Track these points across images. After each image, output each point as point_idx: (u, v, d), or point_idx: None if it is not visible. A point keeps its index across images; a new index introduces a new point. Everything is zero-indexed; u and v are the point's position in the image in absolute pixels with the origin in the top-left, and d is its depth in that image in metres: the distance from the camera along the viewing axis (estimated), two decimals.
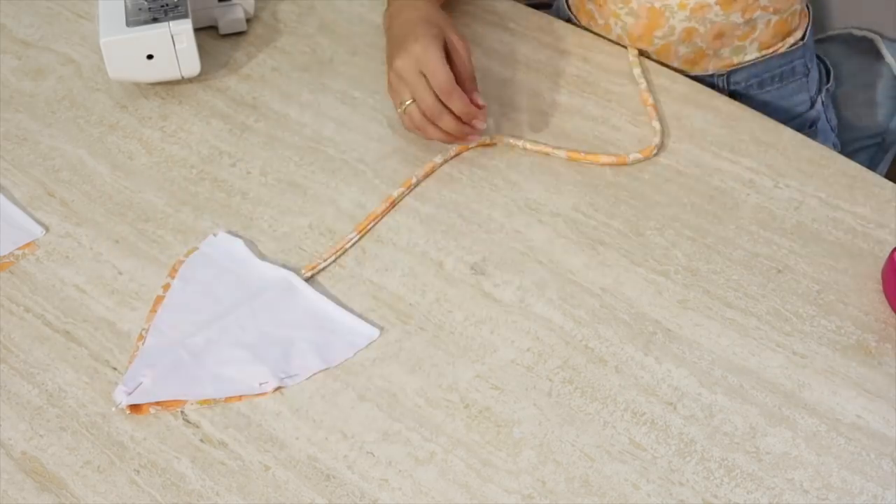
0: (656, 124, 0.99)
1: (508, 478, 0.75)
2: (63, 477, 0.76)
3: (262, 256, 0.90)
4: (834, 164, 0.97)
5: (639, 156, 0.97)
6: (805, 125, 1.13)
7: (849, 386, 0.80)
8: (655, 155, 0.98)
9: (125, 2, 1.04)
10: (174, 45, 1.02)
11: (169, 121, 1.04)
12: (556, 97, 1.04)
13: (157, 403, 0.80)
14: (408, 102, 0.92)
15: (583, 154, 0.98)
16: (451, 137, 0.94)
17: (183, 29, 1.01)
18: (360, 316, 0.85)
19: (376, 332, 0.84)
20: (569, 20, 1.14)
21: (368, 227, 0.93)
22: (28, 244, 0.92)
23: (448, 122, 0.92)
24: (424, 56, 0.90)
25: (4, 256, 0.91)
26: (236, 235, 0.92)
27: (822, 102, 1.15)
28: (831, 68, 1.20)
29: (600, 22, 1.09)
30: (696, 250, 0.90)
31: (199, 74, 1.05)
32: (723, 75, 1.08)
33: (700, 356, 0.82)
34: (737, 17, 1.03)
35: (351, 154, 1.00)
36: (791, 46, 1.08)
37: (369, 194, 0.96)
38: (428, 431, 0.78)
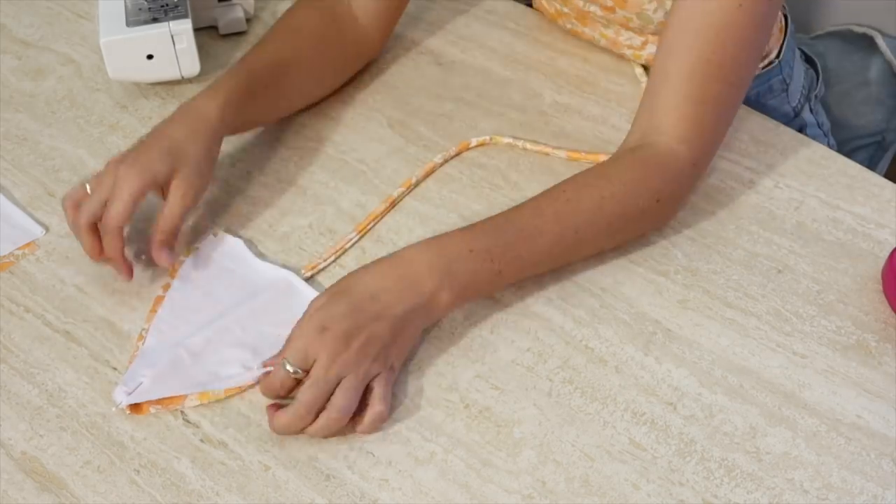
0: None
1: (508, 478, 0.75)
2: (63, 477, 0.76)
3: (262, 256, 0.90)
4: (834, 164, 0.97)
5: None
6: None
7: (849, 386, 0.80)
8: None
9: (125, 2, 1.04)
10: (174, 45, 1.02)
11: None
12: (556, 97, 1.04)
13: (157, 402, 0.80)
14: (87, 188, 0.85)
15: (583, 154, 0.98)
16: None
17: (183, 29, 1.01)
18: None
19: None
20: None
21: (368, 226, 0.93)
22: (28, 244, 0.92)
23: (105, 250, 0.85)
24: (119, 184, 0.83)
25: (4, 256, 0.91)
26: (236, 235, 0.92)
27: (811, 109, 1.15)
28: (821, 71, 1.19)
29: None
30: (696, 250, 0.90)
31: (199, 74, 1.06)
32: None
33: (700, 356, 0.82)
34: None
35: (351, 154, 1.00)
36: (764, 68, 1.07)
37: (369, 194, 0.96)
38: (428, 431, 0.78)
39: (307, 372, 0.75)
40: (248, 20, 1.15)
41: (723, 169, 0.96)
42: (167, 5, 1.03)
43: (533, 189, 0.95)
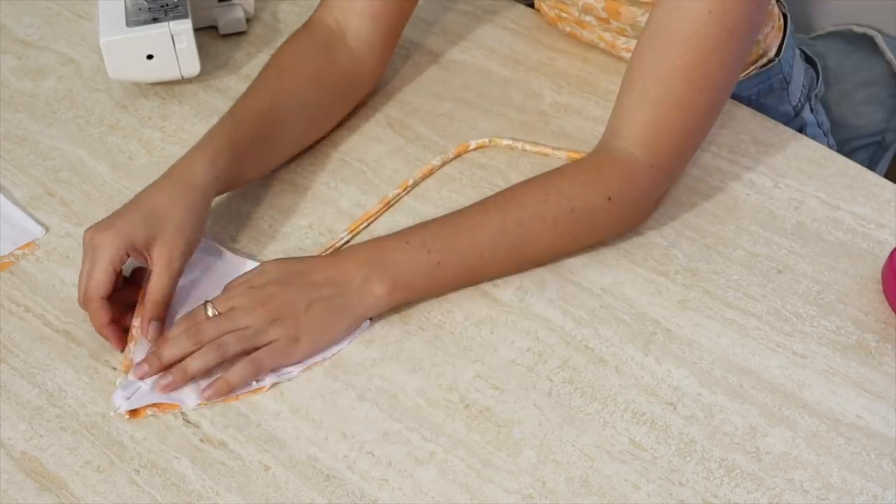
0: None
1: (508, 478, 0.75)
2: (63, 477, 0.76)
3: (235, 251, 0.90)
4: (834, 164, 0.97)
5: None
6: None
7: (849, 386, 0.80)
8: None
9: (125, 2, 1.04)
10: (174, 45, 1.02)
11: (169, 121, 1.04)
12: (556, 97, 1.04)
13: (155, 406, 0.79)
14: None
15: (583, 154, 0.97)
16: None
17: (183, 29, 1.01)
18: None
19: (366, 322, 0.84)
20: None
21: (361, 226, 0.93)
22: (28, 244, 0.92)
23: (91, 318, 0.82)
24: (97, 252, 0.80)
25: (4, 256, 0.91)
26: (236, 234, 0.92)
27: (811, 108, 1.15)
28: (821, 71, 1.19)
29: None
30: (696, 250, 0.90)
31: (199, 74, 1.05)
32: None
33: (700, 356, 0.82)
34: None
35: (351, 154, 1.00)
36: (763, 67, 1.07)
37: (369, 194, 0.96)
38: (428, 431, 0.78)
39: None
40: (248, 20, 1.15)
41: (723, 169, 0.96)
42: (167, 5, 1.03)
43: None
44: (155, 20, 1.02)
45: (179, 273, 0.83)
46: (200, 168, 0.86)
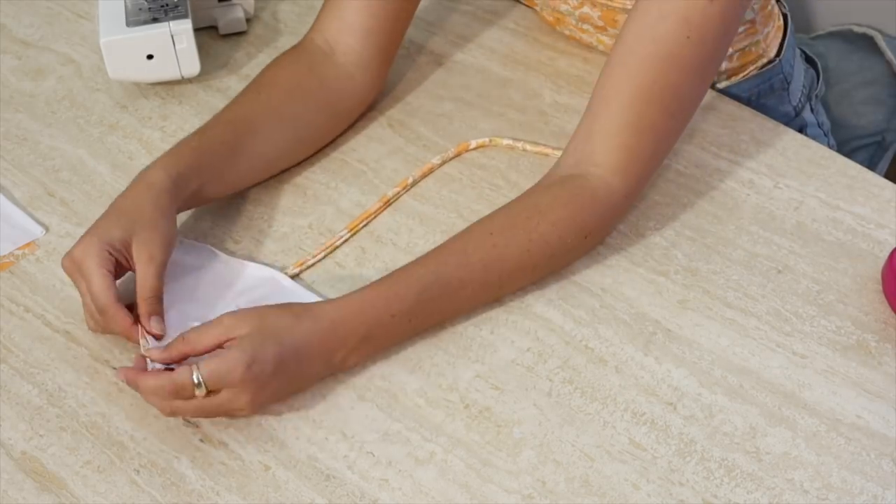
0: None
1: (508, 478, 0.75)
2: (63, 477, 0.76)
3: (234, 253, 0.90)
4: (834, 164, 0.97)
5: None
6: None
7: (849, 386, 0.80)
8: None
9: (125, 2, 1.04)
10: (174, 45, 1.02)
11: (169, 121, 1.04)
12: (556, 97, 1.04)
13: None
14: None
15: None
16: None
17: (183, 29, 1.01)
18: None
19: None
20: None
21: (360, 225, 0.93)
22: (28, 244, 0.92)
23: (115, 330, 0.81)
24: (83, 264, 0.80)
25: (4, 256, 0.91)
26: (236, 235, 0.92)
27: (812, 108, 1.15)
28: (821, 71, 1.19)
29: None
30: (696, 250, 0.90)
31: (199, 74, 1.05)
32: None
33: (700, 356, 0.82)
34: None
35: (351, 154, 1.00)
36: (763, 67, 1.07)
37: (369, 194, 0.96)
38: (428, 431, 0.78)
39: (209, 391, 0.75)
40: (248, 20, 1.15)
41: (723, 169, 0.96)
42: (167, 5, 1.03)
43: None
44: (155, 20, 1.02)
45: (163, 266, 0.82)
46: (161, 171, 0.85)
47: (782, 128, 1.01)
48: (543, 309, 0.86)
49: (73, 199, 0.96)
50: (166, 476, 0.76)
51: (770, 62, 1.07)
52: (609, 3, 0.99)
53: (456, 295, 0.82)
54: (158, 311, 0.81)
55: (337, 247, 0.91)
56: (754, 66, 1.06)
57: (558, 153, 0.98)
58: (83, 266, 0.80)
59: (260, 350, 0.75)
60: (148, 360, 0.78)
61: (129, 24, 1.01)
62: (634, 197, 0.89)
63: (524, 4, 1.15)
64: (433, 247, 0.84)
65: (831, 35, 1.31)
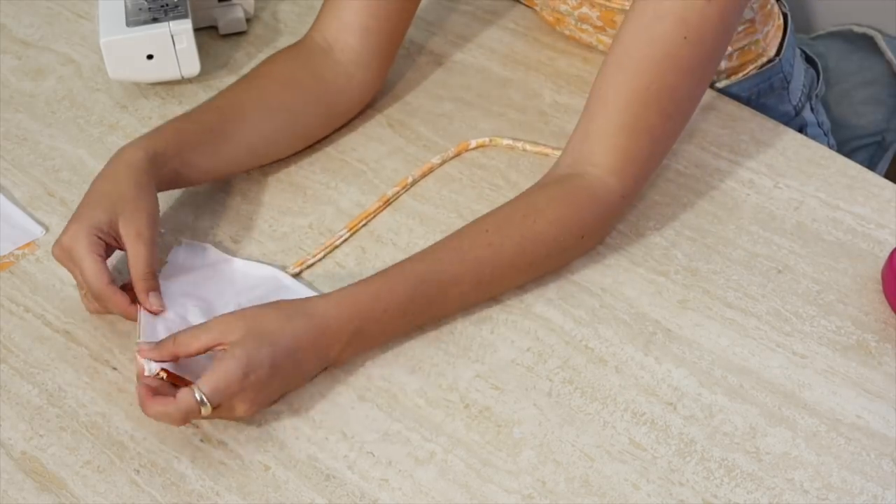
0: None
1: (508, 478, 0.75)
2: (63, 477, 0.76)
3: (235, 254, 0.90)
4: (834, 164, 0.97)
5: None
6: None
7: (849, 386, 0.80)
8: None
9: (125, 2, 1.04)
10: (174, 45, 1.02)
11: None
12: (556, 97, 1.04)
13: (170, 377, 0.77)
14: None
15: None
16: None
17: (183, 29, 1.01)
18: None
19: None
20: None
21: (360, 225, 0.93)
22: (28, 244, 0.92)
23: (114, 311, 0.83)
24: (73, 251, 0.81)
25: (4, 256, 0.91)
26: (236, 234, 0.92)
27: (812, 108, 1.15)
28: (821, 71, 1.19)
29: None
30: (696, 250, 0.90)
31: (199, 74, 1.06)
32: None
33: (700, 356, 0.82)
34: None
35: (351, 154, 1.00)
36: (763, 66, 1.07)
37: (369, 194, 0.96)
38: (428, 431, 0.78)
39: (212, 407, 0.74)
40: (248, 20, 1.15)
41: (723, 169, 0.96)
42: (167, 5, 1.03)
43: None
44: (155, 20, 1.02)
45: (153, 242, 0.82)
46: (139, 150, 0.85)
47: (782, 128, 1.01)
48: (543, 309, 0.86)
49: (73, 199, 0.96)
50: (166, 476, 0.76)
51: (770, 61, 1.07)
52: (607, 3, 0.99)
53: (450, 292, 0.82)
54: (155, 286, 0.82)
55: (336, 246, 0.91)
56: (754, 65, 1.06)
57: (558, 153, 0.98)
58: (73, 253, 0.81)
59: (255, 356, 0.75)
60: (140, 358, 0.77)
61: (129, 24, 1.01)
62: (632, 198, 0.88)
63: (524, 4, 1.15)
64: None
65: (831, 35, 1.31)
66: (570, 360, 0.82)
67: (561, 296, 0.87)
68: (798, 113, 1.12)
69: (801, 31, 1.28)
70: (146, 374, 0.77)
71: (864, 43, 1.28)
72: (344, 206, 0.95)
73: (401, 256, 0.89)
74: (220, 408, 0.75)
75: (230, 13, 1.13)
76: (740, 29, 1.02)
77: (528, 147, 0.99)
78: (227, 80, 1.08)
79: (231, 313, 0.78)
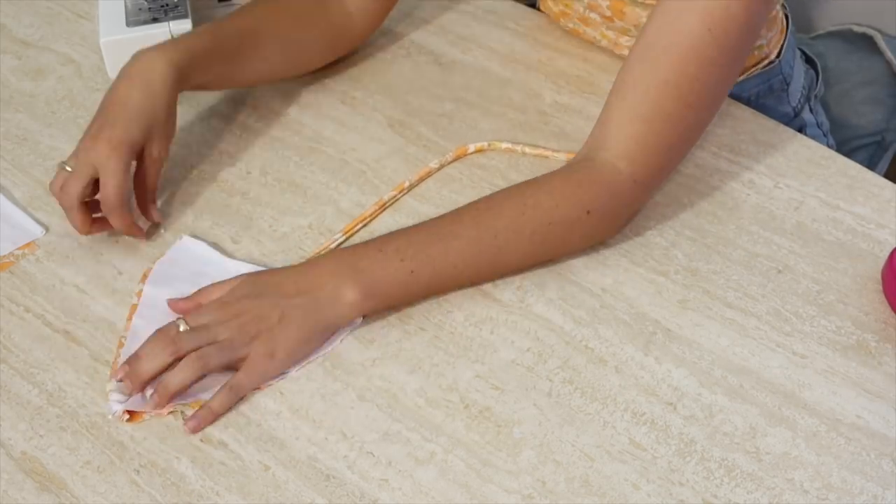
0: None
1: (508, 478, 0.75)
2: (63, 477, 0.76)
3: (231, 256, 0.90)
4: (834, 164, 0.97)
5: None
6: None
7: (849, 386, 0.80)
8: None
9: (125, 2, 1.04)
10: None
11: None
12: (556, 97, 1.04)
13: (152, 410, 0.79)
14: (68, 169, 0.87)
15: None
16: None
17: (183, 29, 1.02)
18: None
19: (359, 319, 0.84)
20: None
21: (356, 228, 0.93)
22: (28, 244, 0.92)
23: (120, 224, 0.88)
24: (108, 161, 0.86)
25: (4, 256, 0.91)
26: (236, 234, 0.92)
27: (811, 109, 1.15)
28: (821, 71, 1.19)
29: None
30: (696, 250, 0.90)
31: None
32: None
33: (700, 356, 0.82)
34: None
35: (351, 154, 1.00)
36: (763, 68, 1.07)
37: (369, 194, 0.96)
38: (428, 431, 0.78)
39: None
40: None
41: (723, 169, 0.97)
42: (167, 5, 1.03)
43: None
44: (155, 20, 1.02)
45: (163, 162, 0.91)
46: (164, 67, 0.89)
47: (782, 128, 1.01)
48: (543, 309, 0.86)
49: None
50: (166, 476, 0.76)
51: (770, 63, 1.07)
52: None
53: (447, 243, 0.82)
54: (155, 199, 0.92)
55: (330, 250, 0.91)
56: (755, 67, 1.06)
57: (558, 155, 0.98)
58: (106, 166, 0.86)
59: (234, 288, 0.82)
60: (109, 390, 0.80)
61: (129, 24, 1.02)
62: (648, 183, 0.88)
63: (524, 3, 1.15)
64: None
65: (831, 35, 1.31)
66: (570, 360, 0.82)
67: (561, 296, 0.87)
68: (797, 114, 1.12)
69: (801, 31, 1.28)
70: (109, 415, 0.79)
71: (864, 43, 1.28)
72: (344, 207, 0.95)
73: None
74: (212, 329, 0.79)
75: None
76: None
77: (527, 150, 0.99)
78: None
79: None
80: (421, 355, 0.83)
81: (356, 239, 0.92)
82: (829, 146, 1.13)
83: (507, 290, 0.87)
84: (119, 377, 0.78)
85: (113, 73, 1.02)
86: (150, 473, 0.76)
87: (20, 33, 1.15)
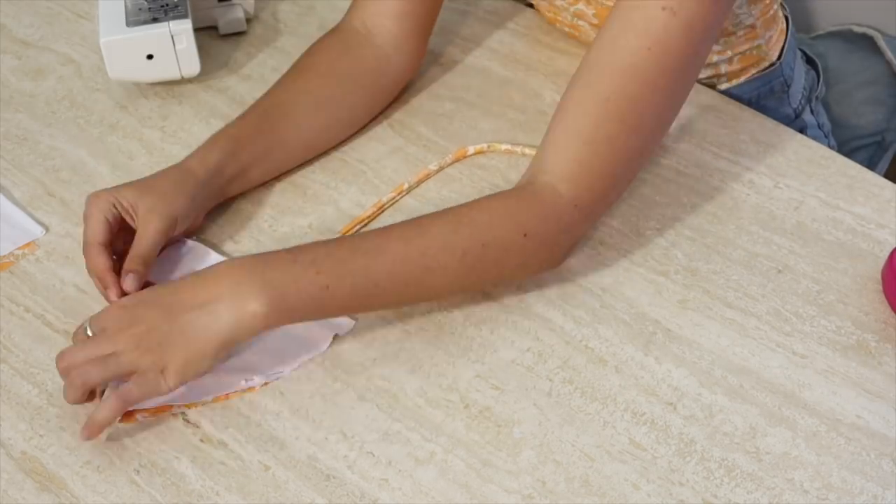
0: None
1: (508, 478, 0.75)
2: (63, 477, 0.76)
3: (230, 255, 0.90)
4: (834, 164, 0.97)
5: None
6: None
7: (849, 386, 0.80)
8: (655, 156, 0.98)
9: (125, 2, 1.04)
10: (174, 45, 1.02)
11: (169, 121, 1.04)
12: (556, 97, 1.04)
13: (145, 411, 0.79)
14: None
15: None
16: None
17: (183, 29, 1.01)
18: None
19: (352, 322, 0.84)
20: None
21: (354, 229, 0.92)
22: (28, 244, 0.92)
23: (91, 267, 0.84)
24: (87, 211, 0.85)
25: (4, 256, 0.91)
26: (236, 234, 0.92)
27: (812, 110, 1.15)
28: (821, 72, 1.19)
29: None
30: (696, 250, 0.90)
31: (199, 74, 1.06)
32: None
33: (700, 356, 0.82)
34: None
35: (351, 154, 1.00)
36: (764, 70, 1.07)
37: (369, 194, 0.96)
38: (428, 431, 0.78)
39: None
40: (248, 20, 1.15)
41: (723, 169, 0.96)
42: (167, 5, 1.03)
43: None
44: (155, 20, 1.02)
45: (161, 237, 0.85)
46: (195, 157, 0.90)
47: (782, 128, 1.01)
48: (543, 309, 0.86)
49: (73, 199, 0.96)
50: (166, 476, 0.76)
51: (771, 65, 1.07)
52: (604, 0, 0.99)
53: (371, 258, 0.77)
54: (140, 273, 0.82)
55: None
56: (756, 69, 1.06)
57: None
58: (89, 209, 0.85)
59: (139, 294, 0.79)
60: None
61: (129, 24, 1.01)
62: (589, 209, 0.83)
63: (524, 3, 1.15)
64: None
65: (831, 35, 1.31)
66: (570, 360, 0.82)
67: (561, 296, 0.86)
68: (798, 115, 1.12)
69: (801, 31, 1.28)
70: None
71: (864, 43, 1.28)
72: (344, 207, 0.95)
73: None
74: (101, 339, 0.76)
75: (230, 13, 1.13)
76: (740, 34, 1.02)
77: (527, 151, 0.99)
78: (226, 80, 1.08)
79: None
80: (421, 355, 0.83)
81: None
82: (829, 147, 1.13)
83: (507, 290, 0.87)
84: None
85: (113, 73, 1.03)
86: (150, 473, 0.76)
87: (20, 33, 1.15)
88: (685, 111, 1.01)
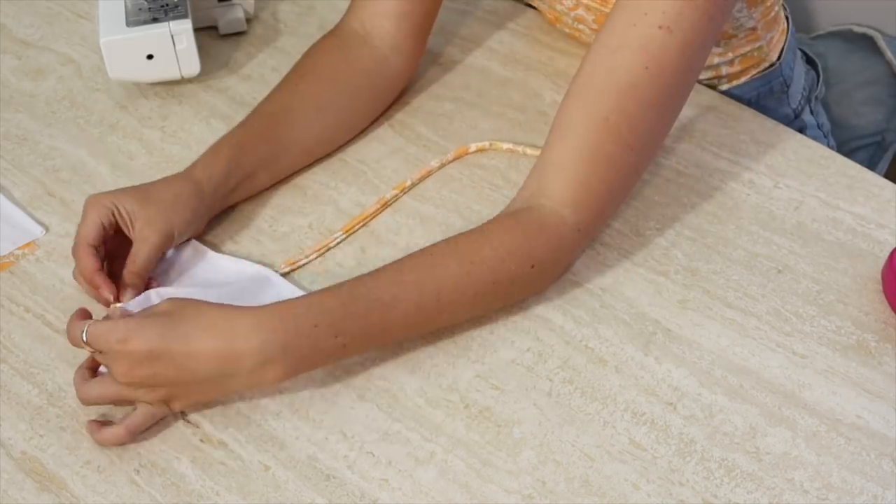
0: None
1: (508, 478, 0.75)
2: (63, 477, 0.76)
3: (230, 256, 0.90)
4: (834, 164, 0.97)
5: None
6: None
7: (849, 386, 0.80)
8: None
9: (125, 2, 1.04)
10: (174, 45, 1.02)
11: (169, 121, 1.04)
12: (556, 97, 1.04)
13: None
14: None
15: None
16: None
17: (183, 29, 1.01)
18: None
19: None
20: None
21: (356, 227, 0.93)
22: (28, 244, 0.92)
23: (80, 269, 0.84)
24: (85, 210, 0.85)
25: (4, 256, 0.91)
26: (236, 234, 0.92)
27: (811, 110, 1.15)
28: (821, 72, 1.19)
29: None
30: (696, 250, 0.90)
31: (199, 74, 1.06)
32: None
33: (700, 356, 0.82)
34: None
35: (351, 154, 1.00)
36: (764, 70, 1.07)
37: (369, 194, 0.96)
38: (428, 431, 0.78)
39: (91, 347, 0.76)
40: (248, 20, 1.15)
41: (723, 169, 0.96)
42: (167, 5, 1.03)
43: None
44: (155, 20, 1.02)
45: (157, 252, 0.85)
46: (200, 167, 0.89)
47: (782, 128, 1.01)
48: (543, 309, 0.86)
49: (73, 199, 0.96)
50: (166, 476, 0.76)
51: (770, 65, 1.07)
52: (602, 7, 0.99)
53: (388, 314, 0.77)
54: (138, 287, 0.84)
55: (331, 248, 0.91)
56: (756, 69, 1.06)
57: None
58: (86, 211, 0.84)
59: (142, 328, 0.73)
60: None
61: (129, 24, 1.01)
62: (589, 231, 0.84)
63: (524, 3, 1.15)
64: None
65: (831, 35, 1.31)
66: (570, 360, 0.82)
67: (561, 296, 0.86)
68: (798, 115, 1.12)
69: (801, 31, 1.28)
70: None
71: (864, 43, 1.28)
72: (344, 206, 0.95)
73: (400, 256, 0.89)
74: (113, 384, 0.75)
75: (230, 13, 1.13)
76: (741, 36, 1.02)
77: (528, 151, 0.99)
78: (226, 80, 1.08)
79: (185, 294, 0.78)
80: (421, 355, 0.83)
81: (356, 238, 0.92)
82: (829, 147, 1.13)
83: None
84: None
85: (113, 73, 1.03)
86: (150, 473, 0.76)
87: (20, 33, 1.15)
88: (685, 111, 1.01)
